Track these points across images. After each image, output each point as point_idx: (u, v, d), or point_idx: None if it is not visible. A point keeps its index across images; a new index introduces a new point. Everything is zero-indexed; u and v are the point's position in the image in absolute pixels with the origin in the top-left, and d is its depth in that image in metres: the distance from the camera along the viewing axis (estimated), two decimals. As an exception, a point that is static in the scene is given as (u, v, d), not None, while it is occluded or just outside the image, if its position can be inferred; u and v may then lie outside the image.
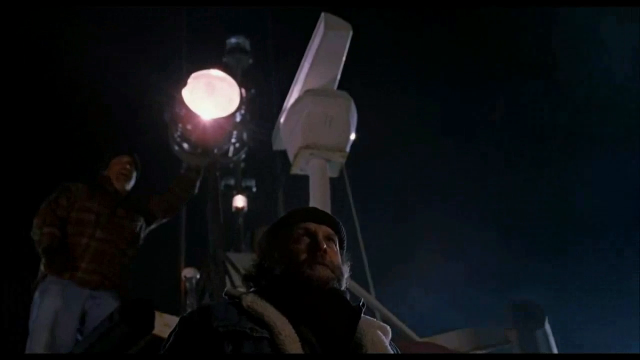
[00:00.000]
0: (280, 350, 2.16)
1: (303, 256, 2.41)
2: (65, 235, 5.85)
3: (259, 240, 2.63)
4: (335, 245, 2.51)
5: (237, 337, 2.20)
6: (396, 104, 10.57)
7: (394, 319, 6.21)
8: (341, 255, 2.53)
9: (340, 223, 2.60)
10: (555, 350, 5.96)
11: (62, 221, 5.88)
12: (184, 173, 6.79)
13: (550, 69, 11.14)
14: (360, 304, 2.41)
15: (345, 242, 2.60)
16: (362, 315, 2.37)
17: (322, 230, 2.49)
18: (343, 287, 2.45)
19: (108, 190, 6.18)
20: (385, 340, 2.35)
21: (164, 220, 6.63)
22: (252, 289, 2.47)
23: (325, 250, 2.42)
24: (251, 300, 2.32)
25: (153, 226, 6.50)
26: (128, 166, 6.32)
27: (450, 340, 5.92)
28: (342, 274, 2.45)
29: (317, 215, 2.56)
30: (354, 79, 7.06)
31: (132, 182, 6.37)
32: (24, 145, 9.89)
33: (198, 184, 6.76)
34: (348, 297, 2.45)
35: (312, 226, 2.49)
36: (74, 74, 9.35)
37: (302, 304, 2.30)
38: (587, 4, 9.95)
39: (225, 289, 2.47)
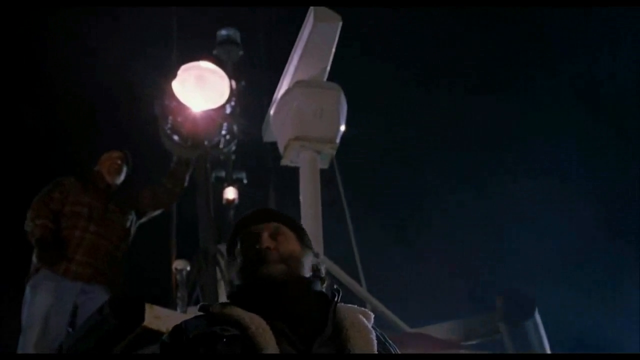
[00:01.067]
0: (254, 343, 2.17)
1: (250, 261, 2.44)
2: (58, 229, 5.86)
3: (226, 257, 2.69)
4: (286, 233, 2.51)
5: (209, 340, 2.22)
6: (388, 94, 10.58)
7: (385, 310, 6.23)
8: (300, 239, 2.54)
9: (282, 213, 2.64)
10: (545, 340, 5.99)
11: (55, 214, 5.90)
12: (174, 167, 6.80)
13: (554, 62, 11.16)
14: (334, 288, 2.44)
15: (298, 225, 2.60)
16: (339, 301, 2.38)
17: (267, 227, 2.50)
18: (306, 273, 2.46)
19: (99, 185, 6.20)
20: (366, 323, 2.35)
21: (155, 214, 6.64)
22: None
23: (267, 247, 2.43)
24: (221, 306, 2.36)
25: (144, 220, 6.53)
26: (119, 161, 6.35)
27: (440, 331, 5.95)
28: (299, 261, 2.46)
29: (256, 216, 2.57)
30: (344, 70, 7.06)
31: (122, 177, 6.40)
32: (10, 140, 9.86)
33: (188, 177, 6.77)
34: (322, 283, 2.48)
35: (254, 228, 2.51)
36: (61, 67, 9.32)
37: (267, 303, 2.31)
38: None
39: (199, 305, 2.50)
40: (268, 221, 2.54)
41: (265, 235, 2.48)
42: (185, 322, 2.36)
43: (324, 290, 2.47)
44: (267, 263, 2.41)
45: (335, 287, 2.47)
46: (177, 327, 2.35)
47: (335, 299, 2.39)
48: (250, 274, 2.42)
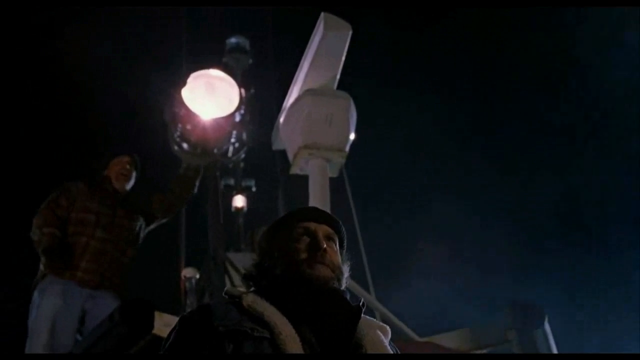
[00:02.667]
0: (281, 350, 2.16)
1: (303, 255, 2.41)
2: (65, 235, 5.86)
3: (259, 240, 2.62)
4: (335, 244, 2.51)
5: (238, 337, 2.19)
6: (397, 103, 10.58)
7: (394, 318, 6.21)
8: (341, 254, 2.52)
9: (340, 222, 2.60)
10: (554, 350, 5.97)
11: (62, 221, 5.89)
12: (183, 173, 6.80)
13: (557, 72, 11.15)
14: (360, 303, 2.40)
15: (345, 241, 2.59)
16: (362, 315, 2.36)
17: (322, 229, 2.49)
18: (343, 287, 2.44)
19: (108, 190, 6.19)
20: (384, 341, 2.35)
21: (164, 220, 6.64)
22: (252, 289, 2.47)
23: (325, 250, 2.42)
24: (252, 299, 2.32)
25: (152, 226, 6.51)
26: (128, 166, 6.34)
27: (450, 340, 5.92)
28: (342, 274, 2.45)
29: (317, 215, 2.55)
30: (354, 79, 7.07)
31: (131, 182, 6.39)
32: (23, 145, 9.89)
33: (197, 183, 6.78)
34: (348, 297, 2.44)
35: (312, 225, 2.48)
36: (73, 73, 9.35)
37: (303, 304, 2.30)
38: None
39: (226, 289, 2.45)
40: (326, 223, 2.53)
41: (321, 236, 2.47)
42: (213, 305, 2.32)
43: (352, 304, 2.44)
44: (322, 264, 2.40)
45: (362, 302, 2.42)
46: (204, 309, 2.32)
47: (361, 314, 2.37)
48: (298, 270, 2.39)
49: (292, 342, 2.18)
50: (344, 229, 2.59)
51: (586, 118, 10.92)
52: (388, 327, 2.43)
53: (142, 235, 6.33)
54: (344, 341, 2.26)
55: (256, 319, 2.24)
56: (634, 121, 10.33)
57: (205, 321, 2.25)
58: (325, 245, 2.42)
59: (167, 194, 6.60)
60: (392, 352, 2.34)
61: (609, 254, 10.20)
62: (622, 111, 10.66)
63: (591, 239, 10.18)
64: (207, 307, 2.32)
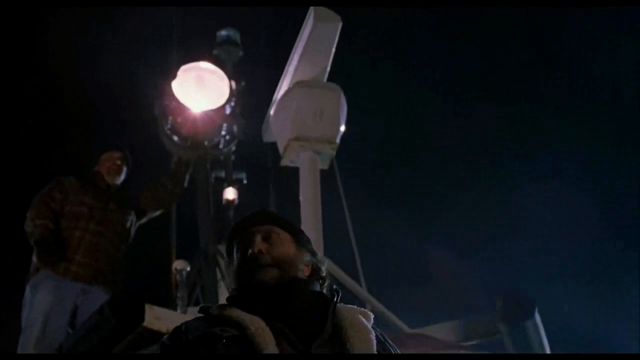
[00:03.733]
0: (254, 345, 2.17)
1: (242, 269, 2.45)
2: (58, 229, 5.86)
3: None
4: (279, 236, 2.51)
5: (209, 341, 2.23)
6: (388, 94, 10.58)
7: (385, 310, 6.24)
8: (295, 239, 2.54)
9: (274, 212, 2.65)
10: (545, 341, 5.99)
11: (56, 214, 5.89)
12: (174, 167, 6.81)
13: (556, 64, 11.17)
14: (333, 288, 2.45)
15: (293, 226, 2.60)
16: (338, 301, 2.39)
17: (260, 230, 2.51)
18: (302, 274, 2.46)
19: (100, 185, 6.20)
20: (365, 322, 2.35)
21: (155, 214, 6.64)
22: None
23: (259, 251, 2.44)
24: (220, 307, 2.38)
25: (144, 220, 6.52)
26: (119, 161, 6.35)
27: (440, 332, 5.95)
28: (292, 263, 2.46)
29: (249, 220, 2.58)
30: (344, 71, 7.06)
31: (122, 177, 6.39)
32: (8, 142, 9.86)
33: (188, 177, 6.78)
34: (323, 283, 2.48)
35: (241, 237, 2.52)
36: (61, 66, 9.31)
37: (265, 304, 2.32)
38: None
39: (200, 306, 2.50)
40: (261, 224, 2.54)
41: (258, 238, 2.48)
42: (185, 323, 2.36)
43: (323, 290, 2.47)
44: (260, 267, 2.42)
45: (334, 287, 2.48)
46: (177, 329, 2.35)
47: (335, 299, 2.39)
48: (245, 279, 2.44)
49: (262, 334, 2.20)
50: (285, 218, 2.62)
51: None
52: (370, 313, 2.43)
53: (133, 230, 6.34)
54: (317, 326, 2.27)
55: (226, 323, 2.27)
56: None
57: (179, 337, 2.30)
58: (256, 249, 2.45)
59: (159, 188, 6.60)
60: (374, 334, 2.33)
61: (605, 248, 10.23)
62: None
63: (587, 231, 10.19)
64: (180, 325, 2.37)
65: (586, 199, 10.03)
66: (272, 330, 2.21)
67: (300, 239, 2.56)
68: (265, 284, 2.39)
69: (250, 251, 2.45)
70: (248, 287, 2.41)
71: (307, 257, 2.52)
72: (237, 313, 2.29)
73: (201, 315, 2.40)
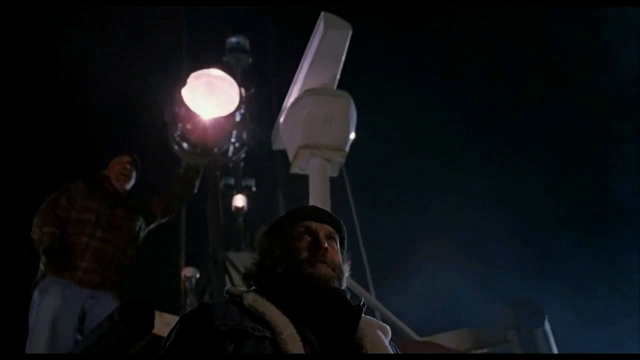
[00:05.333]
0: (282, 350, 2.16)
1: (304, 254, 2.41)
2: (65, 235, 5.86)
3: (259, 239, 2.62)
4: (336, 243, 2.50)
5: (239, 337, 2.19)
6: (397, 102, 10.57)
7: (394, 318, 6.21)
8: (342, 254, 2.52)
9: (341, 221, 2.60)
10: (555, 350, 5.97)
11: (63, 221, 5.89)
12: (184, 173, 6.81)
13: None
14: (361, 303, 2.40)
15: (346, 240, 2.59)
16: (363, 315, 2.37)
17: (324, 228, 2.49)
18: (344, 286, 2.45)
19: (108, 190, 6.19)
20: (385, 340, 2.35)
21: (163, 220, 6.64)
22: (252, 288, 2.46)
23: (326, 249, 2.42)
24: (252, 299, 2.32)
25: (152, 226, 6.51)
26: (128, 166, 6.33)
27: (450, 340, 5.92)
28: (342, 273, 2.45)
29: (319, 214, 2.55)
30: (354, 78, 7.07)
31: (132, 182, 6.39)
32: (22, 144, 9.89)
33: (197, 183, 6.77)
34: (349, 297, 2.44)
35: (314, 224, 2.49)
36: (73, 73, 9.34)
37: (303, 303, 2.30)
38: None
39: (226, 288, 2.46)
40: (327, 222, 2.53)
41: (323, 235, 2.47)
42: (215, 306, 2.32)
43: (353, 304, 2.44)
44: (323, 263, 2.40)
45: (363, 302, 2.42)
46: (205, 308, 2.31)
47: (362, 314, 2.37)
48: (300, 269, 2.39)
49: (293, 342, 2.18)
50: (344, 228, 2.59)
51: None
52: (388, 327, 2.44)
53: (142, 235, 6.33)
54: (344, 341, 2.26)
55: (257, 319, 2.24)
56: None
57: (206, 321, 2.25)
58: (326, 244, 2.42)
59: (167, 194, 6.60)
60: (392, 352, 2.34)
61: (611, 253, 10.19)
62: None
63: (593, 238, 10.16)
64: (208, 306, 2.31)
65: (593, 204, 10.01)
66: (302, 339, 2.20)
67: (344, 252, 2.56)
68: (325, 281, 2.36)
69: (318, 244, 2.42)
70: (300, 278, 2.37)
71: (347, 272, 2.51)
72: (270, 311, 2.25)
73: (229, 299, 2.37)
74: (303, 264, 2.39)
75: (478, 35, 10.81)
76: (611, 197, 10.61)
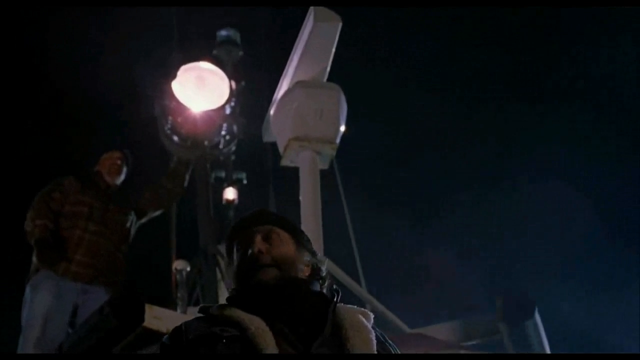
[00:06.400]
0: (254, 345, 2.18)
1: (243, 269, 2.46)
2: (58, 229, 5.86)
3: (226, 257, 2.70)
4: (279, 235, 2.51)
5: (209, 340, 2.23)
6: (388, 94, 10.57)
7: (385, 310, 6.24)
8: (296, 240, 2.54)
9: (275, 214, 2.65)
10: (545, 341, 6.00)
11: (55, 214, 5.90)
12: (174, 167, 6.82)
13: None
14: (333, 288, 2.45)
15: (293, 226, 2.60)
16: (338, 301, 2.39)
17: (260, 230, 2.51)
18: (302, 274, 2.46)
19: (100, 185, 6.21)
20: (365, 322, 2.35)
21: (155, 215, 6.65)
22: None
23: (257, 252, 2.45)
24: (219, 307, 2.38)
25: (143, 221, 6.53)
26: (119, 161, 6.36)
27: (440, 332, 5.95)
28: (292, 262, 2.46)
29: (249, 220, 2.58)
30: (345, 71, 7.06)
31: (122, 177, 6.41)
32: (12, 141, 9.86)
33: (188, 177, 6.78)
34: (323, 283, 2.48)
35: (241, 235, 2.53)
36: (61, 65, 9.32)
37: (265, 304, 2.32)
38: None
39: (200, 306, 2.51)
40: (261, 224, 2.55)
41: (258, 238, 2.49)
42: (185, 323, 2.37)
43: (323, 290, 2.47)
44: (260, 268, 2.42)
45: (335, 287, 2.48)
46: (177, 329, 2.36)
47: (335, 299, 2.40)
48: (245, 279, 2.44)
49: (262, 334, 2.20)
50: (285, 218, 2.62)
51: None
52: (370, 313, 2.44)
53: (133, 230, 6.35)
54: (316, 325, 2.28)
55: (225, 323, 2.27)
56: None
57: (179, 337, 2.31)
58: (256, 249, 2.45)
59: (158, 189, 6.61)
60: (374, 334, 2.33)
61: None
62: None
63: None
64: (180, 326, 2.37)
65: (586, 198, 10.02)
66: (272, 331, 2.22)
67: (300, 239, 2.56)
68: (266, 284, 2.39)
69: (250, 251, 2.46)
70: (248, 287, 2.42)
71: (307, 257, 2.52)
72: (237, 313, 2.29)
73: (201, 315, 2.41)
74: (248, 275, 2.43)
75: (476, 29, 10.81)
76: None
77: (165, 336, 2.42)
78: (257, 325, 2.22)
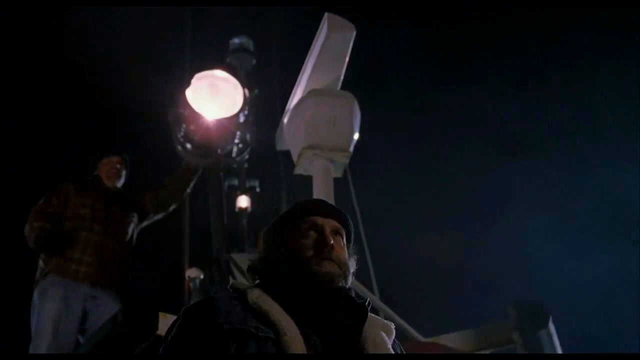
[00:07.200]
0: (285, 351, 2.15)
1: (310, 252, 2.37)
2: (64, 231, 5.88)
3: (265, 232, 2.58)
4: (343, 239, 2.46)
5: (242, 336, 2.17)
6: (402, 103, 10.57)
7: (398, 319, 6.21)
8: (348, 249, 2.48)
9: (347, 216, 2.55)
10: (559, 350, 5.96)
11: (54, 218, 5.92)
12: (181, 171, 6.84)
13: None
14: (366, 303, 2.37)
15: (352, 235, 2.54)
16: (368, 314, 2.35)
17: (330, 224, 2.44)
18: (349, 284, 2.41)
19: (100, 188, 6.25)
20: (387, 342, 2.33)
21: (157, 217, 6.65)
22: (257, 282, 2.43)
23: (332, 246, 2.37)
24: (257, 295, 2.29)
25: (145, 223, 6.54)
26: (118, 165, 6.42)
27: (454, 341, 5.92)
28: (348, 270, 2.41)
29: (324, 209, 2.50)
30: (358, 79, 7.05)
31: (122, 181, 6.46)
32: (22, 146, 9.90)
33: (193, 183, 6.80)
34: (354, 295, 2.41)
35: (319, 220, 2.44)
36: (76, 73, 9.36)
37: (308, 304, 2.28)
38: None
39: (231, 282, 2.42)
40: (333, 217, 2.48)
41: (328, 231, 2.42)
42: (218, 300, 2.29)
43: (358, 302, 2.40)
44: (328, 261, 2.35)
45: (367, 301, 2.39)
46: (208, 303, 2.28)
47: (367, 314, 2.35)
48: (305, 267, 2.35)
49: (296, 343, 2.16)
50: (351, 223, 2.54)
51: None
52: (392, 326, 2.42)
53: (136, 232, 6.37)
54: (348, 345, 2.25)
55: (260, 317, 2.22)
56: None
57: (210, 317, 2.23)
58: (332, 241, 2.38)
59: (160, 191, 6.64)
60: (393, 353, 2.32)
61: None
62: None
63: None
64: (212, 301, 2.29)
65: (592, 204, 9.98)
66: (305, 340, 2.18)
67: (350, 247, 2.51)
68: (330, 279, 2.32)
69: (324, 240, 2.38)
70: (307, 276, 2.33)
71: (353, 267, 2.46)
72: (274, 310, 2.23)
73: (233, 295, 2.34)
74: (308, 262, 2.34)
75: (489, 32, 10.77)
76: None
77: (192, 303, 2.33)
78: (293, 333, 2.17)
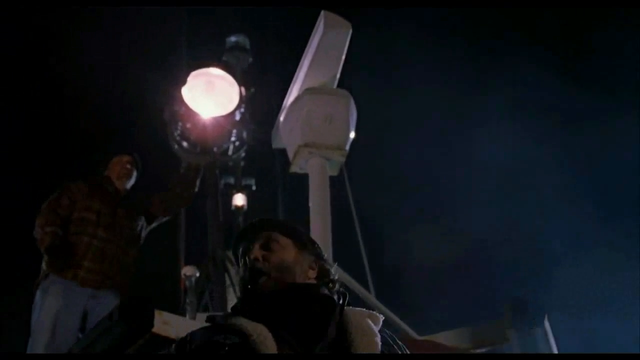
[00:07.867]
0: (256, 351, 2.20)
1: (243, 277, 2.50)
2: (67, 235, 5.86)
3: None
4: (279, 241, 2.54)
5: (212, 349, 2.25)
6: (398, 100, 10.58)
7: (394, 317, 6.21)
8: (297, 244, 2.55)
9: (270, 219, 2.68)
10: (554, 349, 5.96)
11: (64, 220, 5.90)
12: (184, 172, 6.81)
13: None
14: (341, 291, 2.46)
15: (293, 229, 2.61)
16: (345, 305, 2.40)
17: (259, 239, 2.55)
18: (304, 277, 2.47)
19: (108, 190, 6.20)
20: (373, 327, 2.35)
21: (164, 220, 6.64)
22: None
23: (253, 260, 2.49)
24: (224, 316, 2.41)
25: (153, 225, 6.51)
26: (128, 165, 6.33)
27: (449, 339, 5.92)
28: (291, 268, 2.48)
29: (243, 235, 2.61)
30: (354, 77, 7.06)
31: (132, 181, 6.39)
32: (21, 145, 9.89)
33: (198, 182, 6.78)
34: (332, 286, 2.48)
35: (244, 245, 2.57)
36: (73, 72, 9.35)
37: (266, 312, 2.34)
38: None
39: (206, 315, 2.52)
40: (260, 232, 2.57)
41: (257, 247, 2.52)
42: (191, 333, 2.39)
43: (333, 293, 2.46)
44: (258, 276, 2.45)
45: (342, 290, 2.48)
46: (182, 339, 2.38)
47: (341, 302, 2.41)
48: (246, 289, 2.47)
49: (265, 340, 2.21)
50: (285, 222, 2.64)
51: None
52: (379, 315, 2.44)
53: (143, 234, 6.33)
54: (319, 329, 2.28)
55: (230, 331, 2.29)
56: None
57: (182, 348, 2.34)
58: (252, 257, 2.50)
59: (168, 193, 6.60)
60: (379, 337, 2.34)
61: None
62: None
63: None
64: (185, 337, 2.39)
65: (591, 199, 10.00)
66: (274, 337, 2.23)
67: (302, 243, 2.57)
68: (263, 292, 2.42)
69: (249, 260, 2.50)
70: (249, 296, 2.45)
71: (310, 260, 2.52)
72: (241, 321, 2.30)
73: (208, 324, 2.42)
74: (249, 284, 2.47)
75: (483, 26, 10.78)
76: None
77: (173, 345, 2.43)
78: (259, 332, 2.24)
